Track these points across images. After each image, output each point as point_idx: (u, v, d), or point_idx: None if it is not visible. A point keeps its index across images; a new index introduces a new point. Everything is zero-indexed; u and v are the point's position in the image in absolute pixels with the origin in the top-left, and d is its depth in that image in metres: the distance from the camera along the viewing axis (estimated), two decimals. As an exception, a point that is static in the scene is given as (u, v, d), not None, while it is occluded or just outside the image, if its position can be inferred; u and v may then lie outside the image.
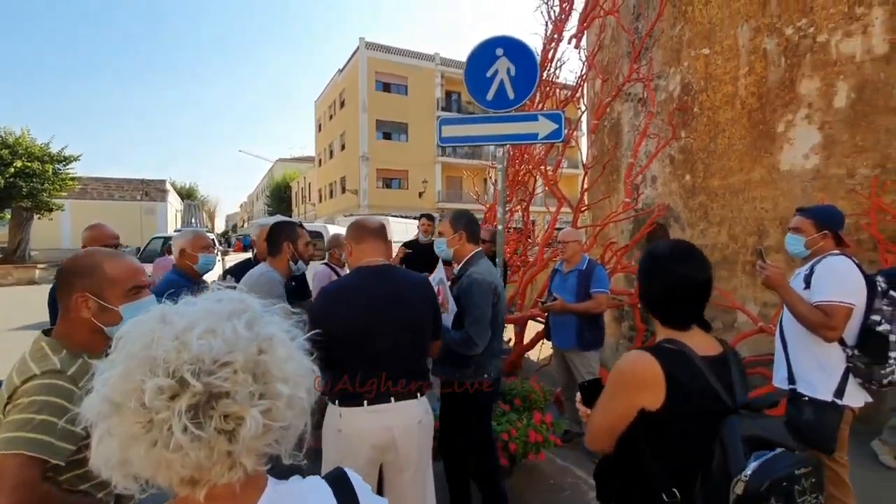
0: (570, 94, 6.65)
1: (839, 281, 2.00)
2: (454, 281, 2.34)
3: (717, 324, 5.95)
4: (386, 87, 28.57)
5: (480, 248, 2.41)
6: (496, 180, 8.60)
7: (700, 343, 1.24)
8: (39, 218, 17.70)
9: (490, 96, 3.50)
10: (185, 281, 2.47)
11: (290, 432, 0.65)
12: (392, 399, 1.72)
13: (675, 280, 1.26)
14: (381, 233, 1.88)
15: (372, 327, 1.71)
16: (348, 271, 3.63)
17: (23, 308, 10.45)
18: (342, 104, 31.42)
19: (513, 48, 3.45)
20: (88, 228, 2.93)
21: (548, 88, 6.66)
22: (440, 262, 2.48)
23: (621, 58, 7.11)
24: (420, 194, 28.84)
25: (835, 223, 2.14)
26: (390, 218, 14.07)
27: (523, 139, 3.60)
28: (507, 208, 8.03)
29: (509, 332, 6.47)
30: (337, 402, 1.74)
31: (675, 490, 1.13)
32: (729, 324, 5.74)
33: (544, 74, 6.58)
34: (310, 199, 39.81)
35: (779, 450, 1.06)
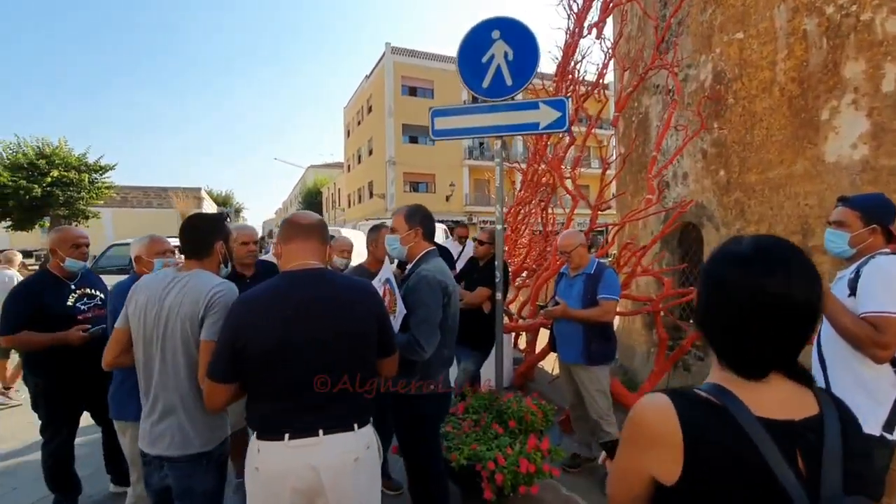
0: (590, 87, 6.25)
1: (892, 286, 1.59)
2: (404, 280, 2.08)
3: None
4: (412, 91, 28.58)
5: (434, 248, 2.15)
6: (519, 180, 8.26)
7: (774, 399, 0.79)
8: (76, 226, 18.53)
9: (486, 84, 3.20)
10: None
11: None
12: (320, 431, 1.42)
13: (745, 296, 0.79)
14: (313, 231, 1.59)
15: (294, 343, 1.42)
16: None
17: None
18: (370, 110, 31.68)
19: (510, 30, 3.14)
20: (54, 231, 2.80)
21: (570, 84, 6.30)
22: (386, 259, 2.22)
23: (647, 48, 6.66)
24: (447, 198, 28.63)
25: (885, 215, 1.72)
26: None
27: (523, 129, 3.28)
28: (526, 209, 7.77)
29: (522, 342, 6.11)
30: (255, 433, 1.47)
31: None
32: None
33: (566, 69, 6.24)
34: (339, 205, 40.31)
35: None
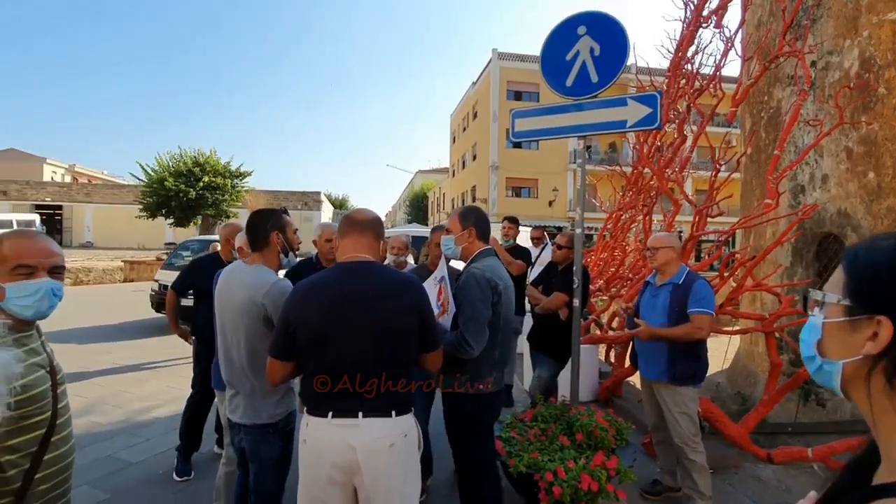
0: (705, 82, 5.69)
1: None
2: (457, 279, 2.08)
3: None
4: (517, 96, 28.45)
5: (490, 246, 2.13)
6: (622, 186, 7.81)
7: None
8: (221, 224, 21.54)
9: (570, 82, 3.09)
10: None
11: None
12: (360, 414, 1.50)
13: None
14: (367, 226, 1.67)
15: (334, 330, 1.51)
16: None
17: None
18: (475, 116, 32.20)
19: (597, 24, 2.99)
20: (227, 225, 3.54)
21: (683, 79, 5.80)
22: (442, 258, 2.23)
23: (778, 35, 5.88)
24: (550, 203, 27.97)
25: None
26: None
27: (609, 128, 3.09)
28: (628, 215, 7.30)
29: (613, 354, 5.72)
30: (306, 408, 1.59)
31: None
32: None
33: (681, 64, 5.75)
34: (444, 208, 41.48)
35: None
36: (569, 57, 3.07)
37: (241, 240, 2.85)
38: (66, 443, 1.32)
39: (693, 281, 2.67)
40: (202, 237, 11.84)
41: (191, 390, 3.36)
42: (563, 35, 3.09)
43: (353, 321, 1.52)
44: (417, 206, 49.13)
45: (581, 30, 3.02)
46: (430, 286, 2.09)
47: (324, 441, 1.51)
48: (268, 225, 1.98)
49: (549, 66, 3.16)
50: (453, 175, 38.91)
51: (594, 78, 3.00)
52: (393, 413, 1.54)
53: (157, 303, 8.18)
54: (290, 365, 1.60)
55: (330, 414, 1.51)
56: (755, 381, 6.77)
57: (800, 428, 4.63)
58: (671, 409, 2.69)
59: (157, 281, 8.71)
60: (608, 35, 2.96)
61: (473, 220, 2.16)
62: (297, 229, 2.16)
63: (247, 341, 1.86)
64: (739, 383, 6.94)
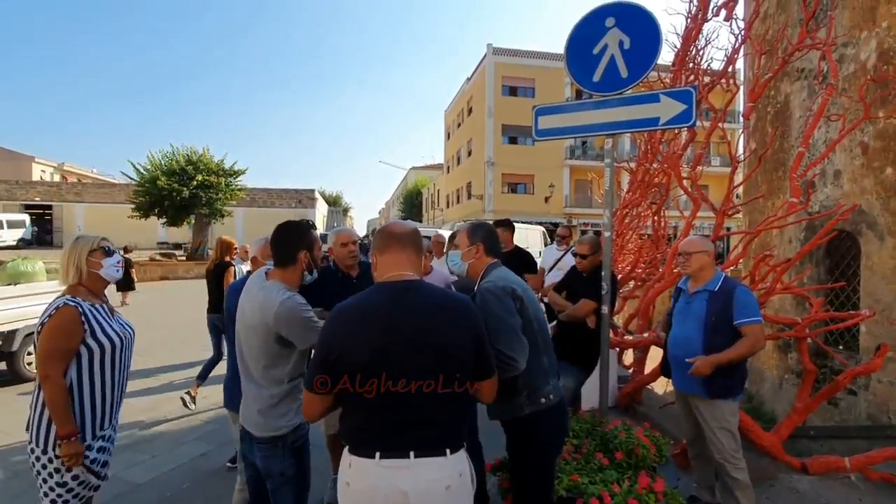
0: (716, 77, 5.55)
1: None
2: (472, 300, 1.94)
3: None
4: (512, 91, 28.25)
5: (496, 260, 2.03)
6: (626, 181, 7.68)
7: None
8: (215, 223, 21.16)
9: (597, 77, 2.93)
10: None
11: None
12: (411, 454, 1.34)
13: None
14: (407, 240, 1.51)
15: (385, 358, 1.35)
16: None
17: (200, 297, 12.37)
18: (469, 111, 31.97)
19: (627, 16, 2.83)
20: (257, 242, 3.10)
21: (690, 75, 5.66)
22: (434, 267, 2.07)
23: (790, 27, 5.75)
24: (546, 199, 27.86)
25: None
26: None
27: (640, 126, 2.94)
28: (635, 212, 7.19)
29: (628, 358, 5.60)
30: (347, 447, 1.42)
31: None
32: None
33: (686, 59, 5.61)
34: (438, 205, 41.29)
35: None
36: (596, 51, 2.91)
37: (255, 249, 2.68)
38: None
39: (733, 288, 2.52)
40: None
41: None
42: (589, 27, 2.93)
43: (403, 347, 1.36)
44: (411, 203, 48.88)
45: (609, 21, 2.86)
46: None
47: (371, 485, 1.35)
48: (297, 243, 1.87)
49: (575, 61, 2.99)
50: (448, 171, 38.69)
51: (624, 73, 2.84)
52: (447, 451, 1.38)
53: None
54: (329, 399, 1.43)
55: (377, 454, 1.35)
56: (761, 379, 6.69)
57: (822, 432, 4.51)
58: (710, 424, 2.54)
59: None
60: (638, 27, 2.80)
61: (482, 235, 2.04)
62: (321, 245, 2.05)
63: (261, 355, 1.81)
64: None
